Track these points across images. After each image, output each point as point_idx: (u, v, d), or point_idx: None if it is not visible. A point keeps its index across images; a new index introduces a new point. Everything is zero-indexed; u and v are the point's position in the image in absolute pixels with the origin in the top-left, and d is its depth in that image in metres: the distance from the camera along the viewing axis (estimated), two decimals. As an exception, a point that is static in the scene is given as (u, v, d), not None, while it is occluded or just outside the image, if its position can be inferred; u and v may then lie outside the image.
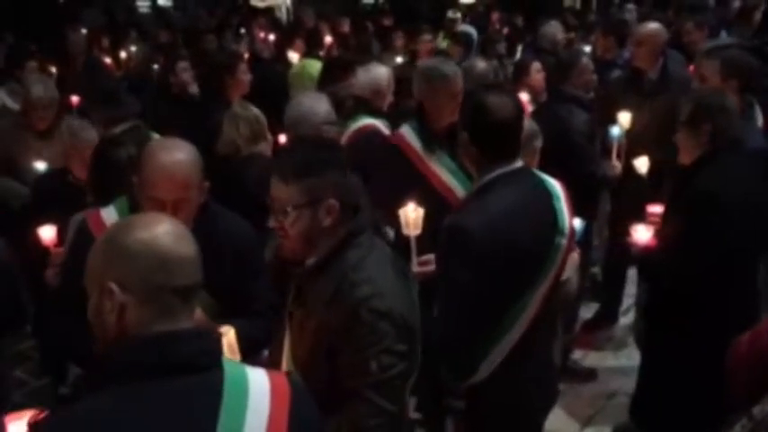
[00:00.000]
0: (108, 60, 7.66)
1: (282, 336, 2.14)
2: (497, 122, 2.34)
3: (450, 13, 10.22)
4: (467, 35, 7.56)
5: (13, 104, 5.69)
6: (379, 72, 4.26)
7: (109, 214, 2.47)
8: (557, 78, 4.50)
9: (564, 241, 2.42)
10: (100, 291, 1.39)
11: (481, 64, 4.79)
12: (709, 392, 2.76)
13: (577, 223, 2.69)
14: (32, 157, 4.10)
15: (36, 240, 3.09)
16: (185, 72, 5.42)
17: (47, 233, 3.10)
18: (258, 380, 1.45)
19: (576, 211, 2.57)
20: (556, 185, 2.51)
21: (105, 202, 2.60)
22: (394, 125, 3.80)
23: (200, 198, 2.30)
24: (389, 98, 4.28)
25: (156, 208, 2.17)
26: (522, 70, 5.02)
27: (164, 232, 1.40)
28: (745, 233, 2.91)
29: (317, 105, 3.51)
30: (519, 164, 2.42)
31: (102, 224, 2.40)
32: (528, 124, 2.89)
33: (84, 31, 8.34)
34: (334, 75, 5.36)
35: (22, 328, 3.22)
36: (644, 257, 3.18)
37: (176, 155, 2.23)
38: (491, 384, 2.39)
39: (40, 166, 4.03)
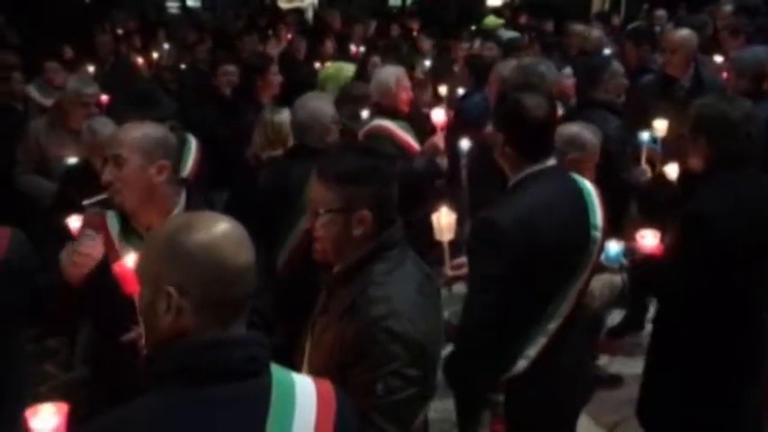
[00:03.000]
0: (139, 60, 7.74)
1: (304, 342, 2.14)
2: (534, 122, 2.37)
3: (492, 18, 10.29)
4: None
5: (41, 99, 5.81)
6: (385, 74, 4.32)
7: (110, 218, 2.52)
8: (587, 83, 4.46)
9: (599, 234, 2.46)
10: (156, 290, 1.39)
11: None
12: (710, 404, 2.79)
13: (615, 247, 2.68)
14: (66, 155, 4.15)
15: (63, 230, 3.15)
16: (228, 75, 5.48)
17: (74, 223, 3.16)
18: (305, 387, 1.47)
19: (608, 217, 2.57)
20: (586, 182, 2.56)
21: None
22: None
23: (146, 174, 2.36)
24: (403, 97, 4.30)
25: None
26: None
27: (223, 236, 1.40)
28: (740, 257, 2.73)
29: (325, 106, 3.55)
30: (551, 162, 2.44)
31: (105, 226, 2.49)
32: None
33: (119, 31, 8.46)
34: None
35: (44, 323, 3.26)
36: (645, 265, 3.04)
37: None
38: (530, 377, 2.39)
39: (71, 160, 4.09)
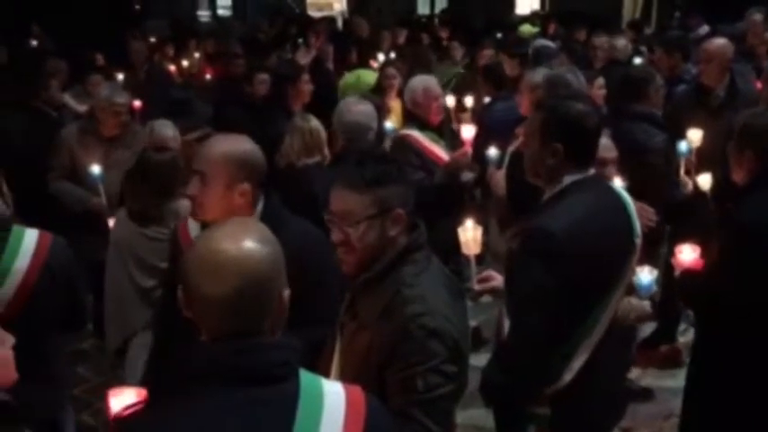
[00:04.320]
0: (172, 68, 7.85)
1: (333, 347, 2.14)
2: (588, 130, 2.42)
3: (527, 27, 10.28)
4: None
5: (76, 106, 5.91)
6: (415, 84, 4.31)
7: (191, 221, 2.58)
8: (627, 95, 4.30)
9: (639, 242, 2.49)
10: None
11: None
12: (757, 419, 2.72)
13: (647, 276, 2.67)
14: (98, 162, 4.21)
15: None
16: (263, 84, 5.51)
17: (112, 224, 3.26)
18: (334, 393, 1.47)
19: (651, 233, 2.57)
20: (623, 191, 2.59)
21: None
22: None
23: (227, 197, 2.33)
24: (433, 108, 4.28)
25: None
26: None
27: (200, 260, 1.41)
28: None
29: (371, 111, 3.57)
30: (592, 171, 2.47)
31: (185, 231, 2.56)
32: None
33: (152, 39, 8.59)
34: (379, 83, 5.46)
35: (82, 328, 3.31)
36: (684, 279, 3.04)
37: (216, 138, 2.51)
38: (574, 390, 2.37)
39: (96, 170, 4.14)
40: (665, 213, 3.65)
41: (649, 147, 4.00)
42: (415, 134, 4.13)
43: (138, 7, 13.94)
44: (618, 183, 3.16)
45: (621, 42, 6.69)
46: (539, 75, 4.35)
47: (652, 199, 2.75)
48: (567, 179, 2.40)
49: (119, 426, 1.41)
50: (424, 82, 4.34)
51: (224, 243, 1.41)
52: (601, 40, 6.79)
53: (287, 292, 1.49)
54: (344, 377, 1.98)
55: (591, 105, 2.50)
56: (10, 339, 1.81)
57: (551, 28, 10.48)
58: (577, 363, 2.37)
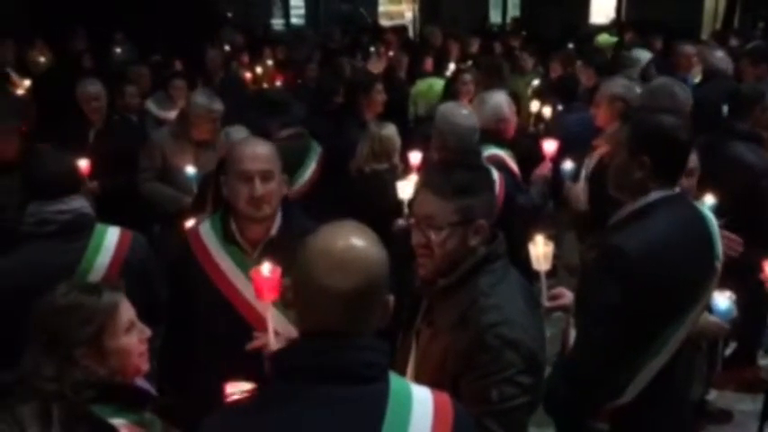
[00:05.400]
0: (247, 75, 8.03)
1: (407, 352, 2.14)
2: (680, 145, 2.35)
3: (605, 37, 10.13)
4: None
5: (159, 112, 6.09)
6: (499, 100, 4.20)
7: (205, 230, 2.59)
8: (736, 113, 4.03)
9: (719, 265, 2.41)
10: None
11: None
12: None
13: (725, 302, 2.58)
14: (189, 164, 4.32)
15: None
16: (337, 92, 5.57)
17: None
18: (422, 397, 1.47)
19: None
20: (707, 211, 2.51)
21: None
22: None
23: (282, 187, 2.48)
24: (512, 123, 4.22)
25: (245, 184, 2.38)
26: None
27: (325, 253, 1.44)
28: None
29: (473, 116, 3.56)
30: (677, 189, 2.40)
31: (198, 237, 2.57)
32: None
33: (226, 47, 8.82)
34: (453, 89, 5.42)
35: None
36: None
37: (256, 140, 2.56)
38: (636, 407, 2.33)
39: (191, 171, 4.26)
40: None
41: (756, 166, 3.75)
42: (501, 153, 4.01)
43: (229, 15, 14.36)
44: (709, 200, 3.07)
45: (719, 53, 6.40)
46: (617, 86, 4.26)
47: (760, 225, 2.61)
48: (653, 195, 2.34)
49: (220, 413, 1.46)
50: (506, 98, 4.26)
51: (352, 240, 1.46)
52: (690, 49, 6.53)
53: (391, 298, 1.52)
54: (419, 383, 1.95)
55: (684, 119, 2.43)
56: (147, 331, 1.96)
57: (627, 37, 10.26)
58: (642, 381, 2.32)
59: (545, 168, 4.12)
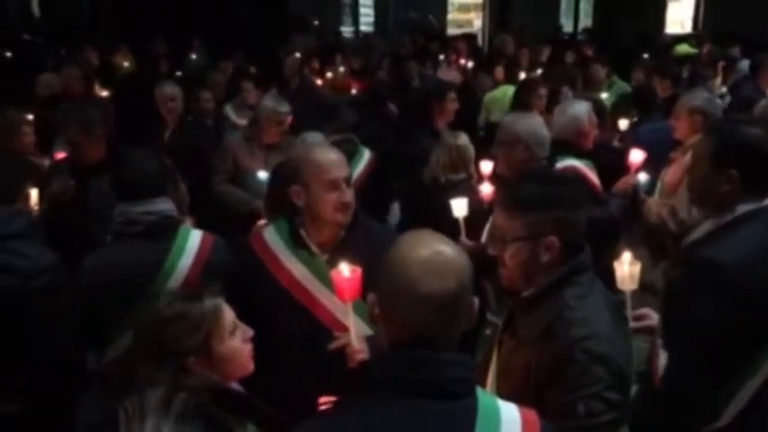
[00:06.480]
0: (318, 81, 8.14)
1: (488, 363, 2.13)
2: (765, 156, 2.26)
3: (685, 47, 9.92)
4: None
5: (236, 118, 6.25)
6: (579, 110, 4.07)
7: (270, 234, 2.63)
8: None
9: None
10: (369, 296, 1.50)
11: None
12: None
13: None
14: (259, 167, 4.40)
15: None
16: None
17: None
18: (510, 413, 1.47)
19: None
20: None
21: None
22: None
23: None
24: (592, 135, 4.10)
25: (332, 191, 2.42)
26: (746, 107, 4.68)
27: (418, 260, 1.44)
28: None
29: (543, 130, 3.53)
30: (766, 201, 2.30)
31: (264, 243, 2.59)
32: None
33: (297, 54, 8.97)
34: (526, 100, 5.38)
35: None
36: None
37: (329, 147, 2.62)
38: (731, 430, 2.24)
39: (262, 175, 4.33)
40: None
41: None
42: (580, 165, 3.89)
43: (316, 23, 14.59)
44: None
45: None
46: (698, 98, 4.16)
47: None
48: (741, 208, 2.26)
49: (304, 425, 1.48)
50: (587, 108, 4.13)
51: (439, 245, 1.48)
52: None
53: (476, 300, 1.53)
54: (500, 394, 1.96)
55: None
56: (249, 331, 1.98)
57: (705, 48, 9.99)
58: (740, 402, 2.23)
59: (630, 180, 3.98)
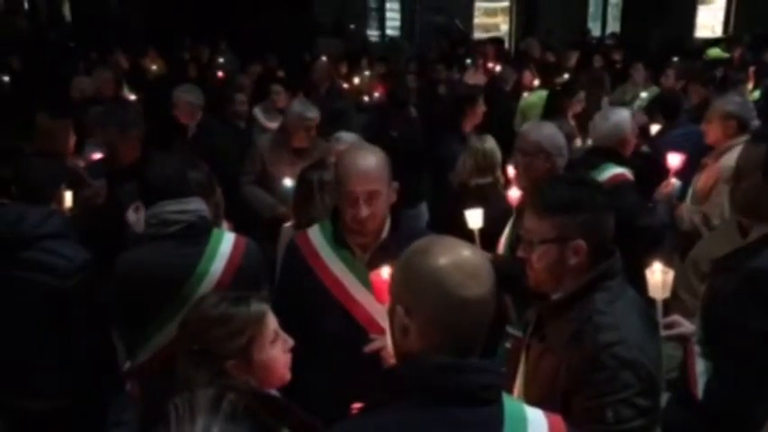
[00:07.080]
0: (345, 85, 8.17)
1: (516, 365, 2.13)
2: None
3: (716, 51, 9.83)
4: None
5: (265, 121, 6.29)
6: (622, 118, 3.95)
7: (314, 233, 2.62)
8: None
9: None
10: (392, 307, 1.48)
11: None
12: None
13: None
14: (287, 171, 4.39)
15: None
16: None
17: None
18: (537, 419, 1.47)
19: None
20: None
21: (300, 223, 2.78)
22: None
23: (390, 196, 2.44)
24: (634, 142, 4.03)
25: (350, 203, 2.36)
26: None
27: (455, 265, 1.43)
28: None
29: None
30: None
31: (307, 240, 2.60)
32: None
33: (323, 57, 9.01)
34: (559, 105, 5.35)
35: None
36: None
37: (364, 153, 2.44)
38: None
39: (288, 182, 4.31)
40: None
41: None
42: (626, 172, 3.79)
43: (352, 26, 14.63)
44: None
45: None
46: (731, 103, 4.10)
47: None
48: None
49: (335, 426, 1.48)
50: (629, 116, 4.03)
51: (467, 250, 1.48)
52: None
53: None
54: (528, 398, 1.96)
55: None
56: (289, 341, 1.97)
57: (737, 52, 9.87)
58: None
59: (671, 185, 3.91)
